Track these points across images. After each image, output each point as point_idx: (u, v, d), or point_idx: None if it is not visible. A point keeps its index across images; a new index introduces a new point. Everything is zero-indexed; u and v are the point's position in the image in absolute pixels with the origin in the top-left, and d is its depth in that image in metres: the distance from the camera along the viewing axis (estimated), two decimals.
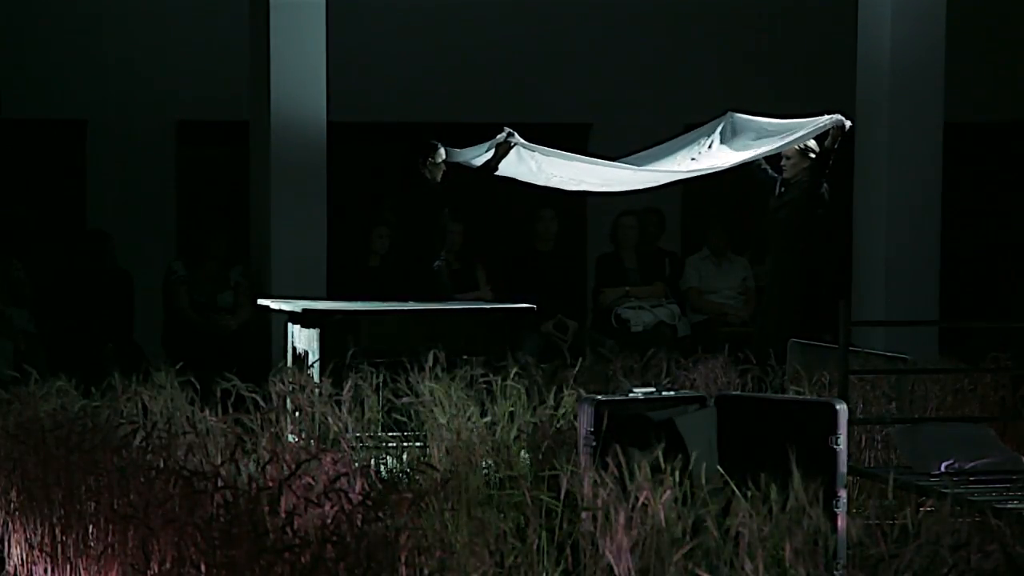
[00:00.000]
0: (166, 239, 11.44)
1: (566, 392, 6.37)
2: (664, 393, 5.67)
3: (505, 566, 5.11)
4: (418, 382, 6.40)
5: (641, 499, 4.52)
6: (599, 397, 5.46)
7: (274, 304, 8.47)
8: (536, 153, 8.84)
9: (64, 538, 5.77)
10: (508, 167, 8.88)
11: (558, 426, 6.08)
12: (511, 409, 6.16)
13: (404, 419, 6.56)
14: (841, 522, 5.11)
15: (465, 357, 7.52)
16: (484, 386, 6.40)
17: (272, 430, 6.05)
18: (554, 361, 7.13)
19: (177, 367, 6.84)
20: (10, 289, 10.04)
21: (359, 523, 4.50)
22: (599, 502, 4.63)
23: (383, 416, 6.67)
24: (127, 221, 11.21)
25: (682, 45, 12.05)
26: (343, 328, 7.78)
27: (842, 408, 5.37)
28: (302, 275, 9.57)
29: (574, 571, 5.04)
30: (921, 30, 9.89)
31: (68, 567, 5.74)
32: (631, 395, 5.56)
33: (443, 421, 5.99)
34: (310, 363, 7.65)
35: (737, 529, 4.40)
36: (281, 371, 7.05)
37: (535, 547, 5.09)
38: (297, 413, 6.57)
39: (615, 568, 4.43)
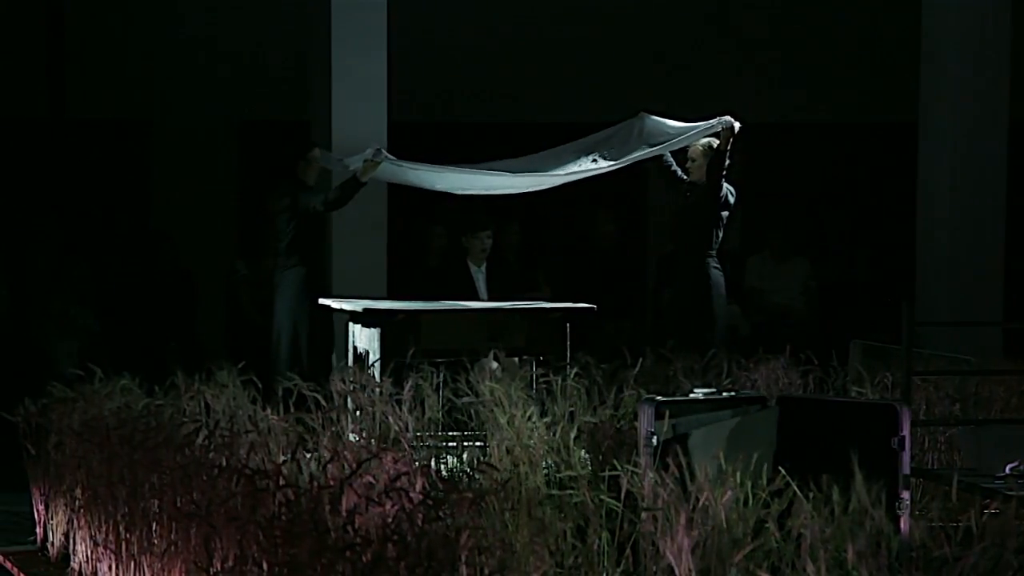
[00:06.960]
0: (229, 239, 11.52)
1: (626, 392, 6.35)
2: (725, 394, 5.65)
3: (565, 566, 5.11)
4: (478, 382, 6.40)
5: (702, 500, 4.51)
6: (660, 398, 5.45)
7: (335, 303, 8.50)
8: (405, 167, 8.86)
9: (128, 535, 5.82)
10: (394, 175, 8.92)
11: (618, 426, 6.06)
12: (571, 409, 6.15)
13: (464, 419, 6.56)
14: (904, 524, 5.07)
15: (525, 357, 7.52)
16: (544, 386, 6.39)
17: (333, 429, 6.08)
18: (614, 361, 7.10)
19: (239, 366, 6.87)
20: (75, 288, 10.14)
21: (420, 522, 4.51)
22: (660, 502, 4.62)
23: (443, 416, 6.67)
24: (190, 221, 11.29)
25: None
26: (404, 327, 7.79)
27: (905, 409, 5.33)
28: (363, 274, 9.59)
29: (634, 572, 5.03)
30: (987, 26, 9.79)
31: (132, 564, 5.79)
32: (692, 396, 5.55)
33: (503, 421, 5.99)
34: (371, 362, 7.67)
35: (799, 530, 4.38)
36: (342, 370, 7.07)
37: (595, 547, 5.08)
38: (358, 412, 6.59)
39: (676, 569, 4.42)
